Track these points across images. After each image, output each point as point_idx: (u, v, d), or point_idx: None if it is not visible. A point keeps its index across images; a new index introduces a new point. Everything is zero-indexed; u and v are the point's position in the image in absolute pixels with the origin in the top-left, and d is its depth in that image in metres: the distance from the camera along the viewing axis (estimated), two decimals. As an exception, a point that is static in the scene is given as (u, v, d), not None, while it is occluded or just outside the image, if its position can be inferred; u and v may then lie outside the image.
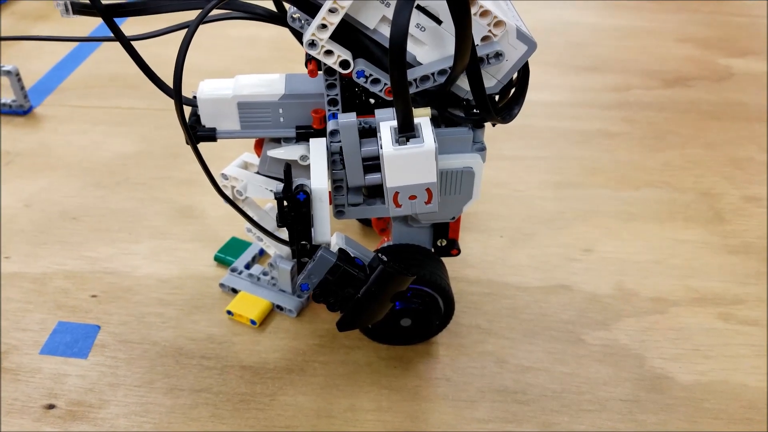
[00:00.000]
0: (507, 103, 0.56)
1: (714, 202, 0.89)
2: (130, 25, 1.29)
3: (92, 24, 1.36)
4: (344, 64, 0.51)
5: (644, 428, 0.60)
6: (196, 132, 0.57)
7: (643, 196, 0.90)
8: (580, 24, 1.42)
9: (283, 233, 0.66)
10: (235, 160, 0.66)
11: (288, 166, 0.52)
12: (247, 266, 0.74)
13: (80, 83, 1.18)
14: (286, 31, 0.54)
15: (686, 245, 0.81)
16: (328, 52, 0.50)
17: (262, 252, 0.76)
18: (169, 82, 0.50)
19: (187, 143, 0.54)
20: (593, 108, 1.11)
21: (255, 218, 0.67)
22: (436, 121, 0.55)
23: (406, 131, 0.49)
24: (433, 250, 0.65)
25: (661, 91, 1.16)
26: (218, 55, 1.26)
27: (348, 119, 0.52)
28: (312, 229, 0.54)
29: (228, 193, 0.66)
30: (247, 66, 1.23)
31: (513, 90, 0.56)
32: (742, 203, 0.89)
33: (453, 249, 0.65)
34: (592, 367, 0.66)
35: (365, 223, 0.82)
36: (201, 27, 0.48)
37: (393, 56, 0.43)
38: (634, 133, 1.04)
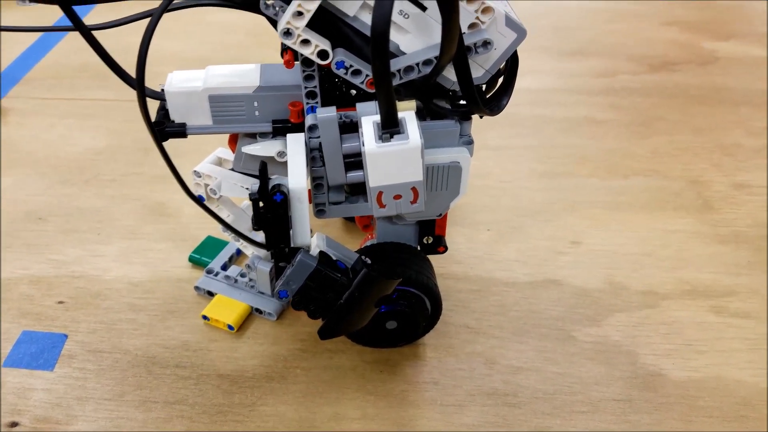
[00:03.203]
0: (495, 93, 0.53)
1: (703, 190, 0.87)
2: (100, 13, 1.23)
3: (61, 11, 1.30)
4: (322, 54, 0.47)
5: (638, 429, 0.58)
6: (164, 128, 0.53)
7: (631, 185, 0.88)
8: (565, 7, 1.39)
9: (260, 236, 0.63)
10: (208, 156, 0.62)
11: (263, 165, 0.49)
12: (224, 267, 0.70)
13: (47, 74, 1.12)
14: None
15: (676, 235, 0.80)
16: (305, 42, 0.47)
17: (239, 252, 0.73)
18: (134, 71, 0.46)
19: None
20: (579, 94, 1.08)
21: (231, 217, 0.64)
22: (421, 114, 0.53)
23: (390, 127, 0.46)
24: (419, 248, 0.62)
25: (647, 76, 1.14)
26: (195, 42, 1.22)
27: (327, 113, 0.49)
28: (290, 231, 0.50)
29: (201, 191, 0.62)
30: (225, 53, 1.19)
31: (501, 80, 0.53)
32: (731, 191, 0.87)
33: (440, 246, 0.62)
34: (584, 365, 0.64)
35: (349, 219, 0.79)
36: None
37: (375, 45, 0.40)
38: (622, 119, 1.02)
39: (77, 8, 0.45)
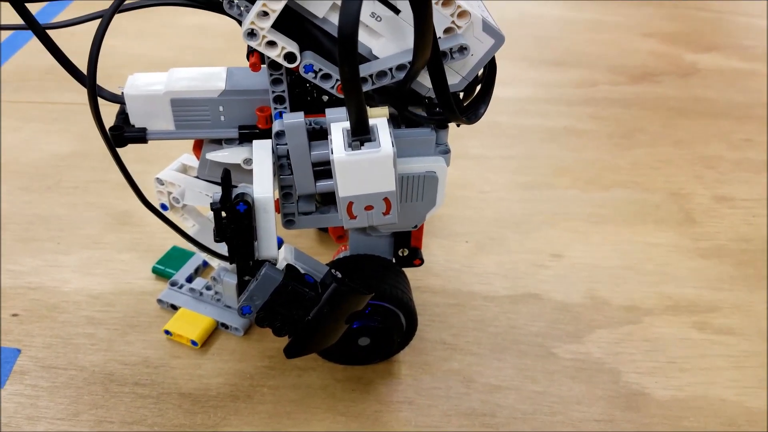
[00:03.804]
0: (472, 101, 0.51)
1: (684, 203, 0.86)
2: (76, 10, 1.20)
3: (33, 10, 1.26)
4: (290, 57, 0.45)
5: (620, 451, 0.56)
6: (123, 132, 0.50)
7: (612, 197, 0.86)
8: (546, 17, 1.38)
9: (225, 248, 0.60)
10: (172, 162, 0.59)
11: (226, 172, 0.46)
12: (189, 279, 0.67)
13: (13, 75, 1.08)
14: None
15: (658, 249, 0.78)
16: (271, 44, 0.44)
17: (206, 264, 0.70)
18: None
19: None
20: (560, 104, 1.07)
21: (196, 228, 0.61)
22: (395, 121, 0.50)
23: (360, 134, 0.43)
24: (394, 260, 0.60)
25: (627, 87, 1.13)
26: (168, 45, 1.18)
27: (294, 119, 0.46)
28: (255, 243, 0.48)
29: (165, 200, 0.59)
30: (199, 57, 1.16)
31: (479, 87, 0.51)
32: (713, 203, 0.86)
33: (416, 259, 0.60)
34: (565, 384, 0.61)
35: (322, 229, 0.77)
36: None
37: (342, 48, 0.38)
38: (602, 130, 1.01)
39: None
